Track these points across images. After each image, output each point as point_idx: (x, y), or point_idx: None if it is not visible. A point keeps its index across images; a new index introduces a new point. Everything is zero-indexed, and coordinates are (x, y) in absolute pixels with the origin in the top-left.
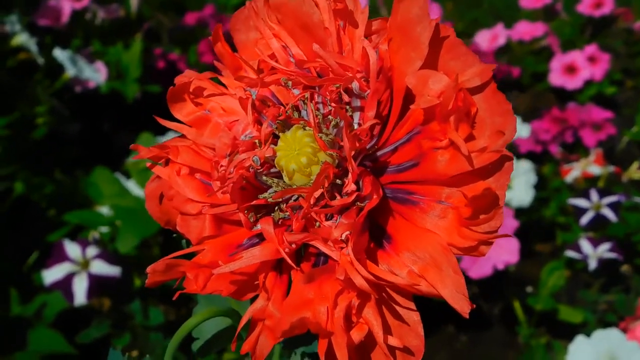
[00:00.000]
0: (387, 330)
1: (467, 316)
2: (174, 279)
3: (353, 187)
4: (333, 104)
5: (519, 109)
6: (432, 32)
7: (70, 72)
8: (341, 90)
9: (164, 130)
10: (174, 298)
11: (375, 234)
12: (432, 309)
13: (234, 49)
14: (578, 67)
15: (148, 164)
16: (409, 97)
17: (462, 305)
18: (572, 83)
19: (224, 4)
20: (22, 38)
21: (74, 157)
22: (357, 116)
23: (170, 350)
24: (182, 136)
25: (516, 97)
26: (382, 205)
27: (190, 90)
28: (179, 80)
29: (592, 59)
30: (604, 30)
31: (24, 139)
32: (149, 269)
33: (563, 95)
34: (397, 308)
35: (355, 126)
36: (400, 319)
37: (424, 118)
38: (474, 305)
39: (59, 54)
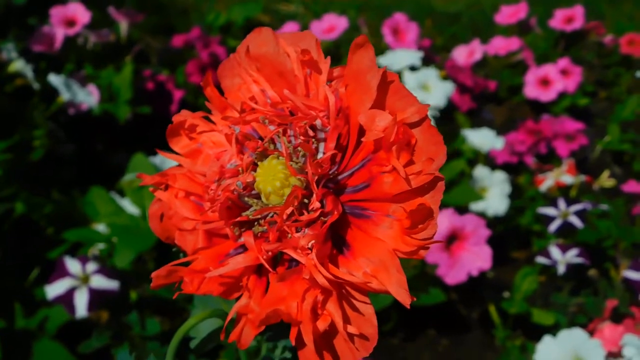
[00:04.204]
0: (346, 320)
1: (409, 306)
2: (174, 282)
3: (317, 205)
4: (301, 138)
5: (496, 122)
6: (380, 79)
7: (64, 96)
8: (307, 127)
9: (155, 151)
10: (174, 297)
11: (337, 242)
12: (415, 316)
13: (221, 91)
14: (552, 79)
15: (151, 189)
16: (362, 131)
17: (404, 297)
18: (547, 95)
19: (210, 26)
20: (18, 64)
21: (70, 177)
22: (322, 146)
23: (172, 346)
24: (179, 165)
25: (493, 109)
26: (342, 219)
27: (185, 127)
28: (176, 118)
29: (565, 72)
30: (577, 43)
31: (23, 161)
32: (153, 274)
33: (538, 107)
34: (355, 303)
35: (320, 155)
36: (357, 312)
37: (373, 148)
38: (415, 298)
39: (54, 78)
